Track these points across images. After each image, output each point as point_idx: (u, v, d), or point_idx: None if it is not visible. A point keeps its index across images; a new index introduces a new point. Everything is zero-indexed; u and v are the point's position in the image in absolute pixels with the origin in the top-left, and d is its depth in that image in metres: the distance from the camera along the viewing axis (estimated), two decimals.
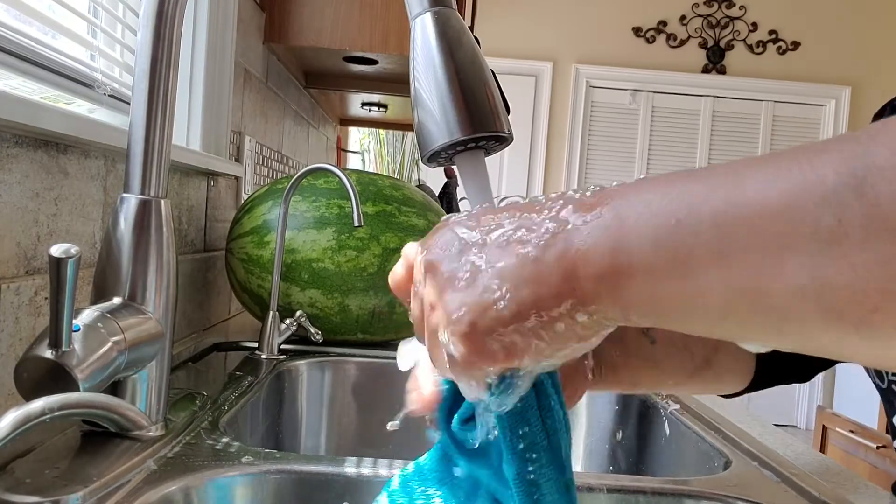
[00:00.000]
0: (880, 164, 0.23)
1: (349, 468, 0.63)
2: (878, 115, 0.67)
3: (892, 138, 0.24)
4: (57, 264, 0.51)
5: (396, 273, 0.39)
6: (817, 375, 0.62)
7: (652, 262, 0.29)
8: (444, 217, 0.37)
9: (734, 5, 4.62)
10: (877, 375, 0.73)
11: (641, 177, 0.32)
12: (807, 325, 0.26)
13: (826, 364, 0.63)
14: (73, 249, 0.51)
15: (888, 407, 0.73)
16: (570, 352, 0.33)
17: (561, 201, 0.32)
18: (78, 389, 0.53)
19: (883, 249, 0.23)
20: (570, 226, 0.31)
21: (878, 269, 0.23)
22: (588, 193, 0.32)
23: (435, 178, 3.69)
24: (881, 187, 0.23)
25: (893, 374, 0.70)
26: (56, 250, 0.51)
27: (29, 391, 0.53)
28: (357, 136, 4.34)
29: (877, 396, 0.68)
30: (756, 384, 0.59)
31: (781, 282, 0.25)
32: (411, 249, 0.38)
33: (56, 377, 0.53)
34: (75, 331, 0.55)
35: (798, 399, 4.68)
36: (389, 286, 0.40)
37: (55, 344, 0.52)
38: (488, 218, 0.34)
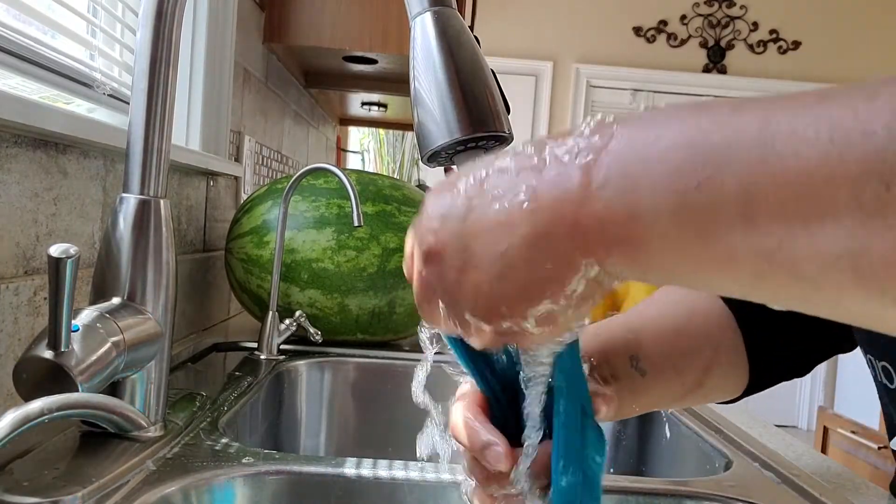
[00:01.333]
0: None
1: (349, 469, 0.63)
2: None
3: None
4: (56, 264, 0.51)
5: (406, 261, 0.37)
6: (818, 376, 0.61)
7: (672, 231, 0.26)
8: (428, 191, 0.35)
9: (735, 5, 4.62)
10: (885, 377, 0.73)
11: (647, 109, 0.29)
12: (844, 297, 0.23)
13: (824, 356, 0.62)
14: (72, 249, 0.51)
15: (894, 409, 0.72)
16: (590, 307, 0.31)
17: (556, 154, 0.29)
18: (77, 390, 0.53)
19: None
20: (574, 188, 0.28)
21: None
22: (587, 134, 0.29)
23: (435, 178, 3.69)
24: None
25: None
26: (55, 250, 0.51)
27: (28, 392, 0.53)
28: (357, 136, 4.34)
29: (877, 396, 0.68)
30: (752, 388, 0.59)
31: (816, 252, 0.23)
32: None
33: (55, 378, 0.53)
34: (74, 331, 0.55)
35: (799, 400, 4.68)
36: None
37: (54, 344, 0.52)
38: (475, 181, 0.31)
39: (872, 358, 0.62)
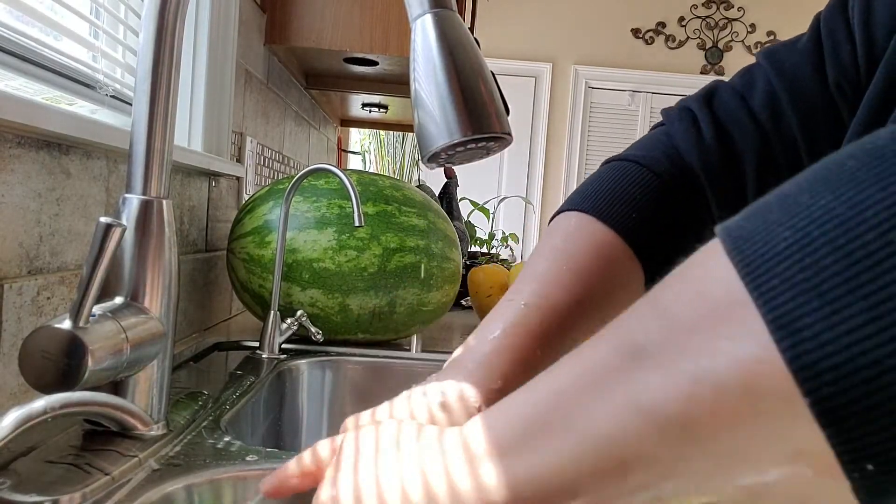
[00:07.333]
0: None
1: None
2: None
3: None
4: (105, 230, 0.52)
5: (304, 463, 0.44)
6: None
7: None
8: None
9: (732, 7, 4.63)
10: None
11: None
12: None
13: None
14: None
15: None
16: None
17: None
18: (87, 368, 0.53)
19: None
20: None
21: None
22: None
23: (435, 179, 3.70)
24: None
25: None
26: (105, 218, 0.53)
27: (31, 365, 0.53)
28: (357, 137, 4.34)
29: None
30: None
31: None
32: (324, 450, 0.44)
33: (68, 352, 0.53)
34: (92, 317, 0.55)
35: None
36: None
37: (76, 316, 0.53)
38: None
39: None
